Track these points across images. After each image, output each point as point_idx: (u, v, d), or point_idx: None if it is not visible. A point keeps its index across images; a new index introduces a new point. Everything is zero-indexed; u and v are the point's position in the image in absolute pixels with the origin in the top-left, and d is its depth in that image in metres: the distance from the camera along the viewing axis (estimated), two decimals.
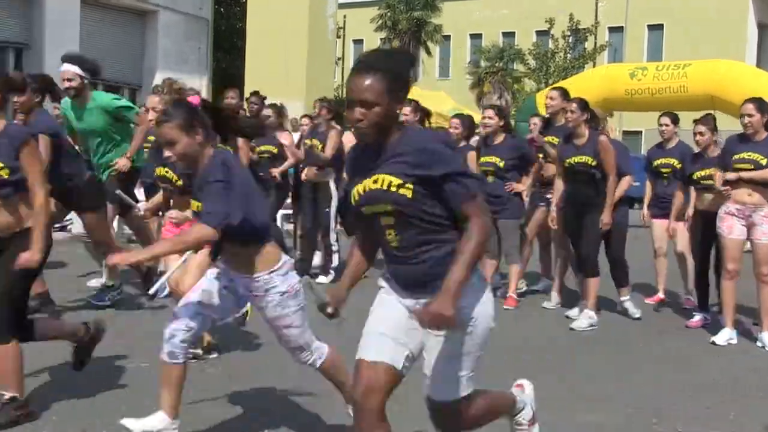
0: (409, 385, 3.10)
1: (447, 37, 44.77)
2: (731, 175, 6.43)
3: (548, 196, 7.88)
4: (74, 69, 6.75)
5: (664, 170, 7.92)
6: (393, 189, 2.81)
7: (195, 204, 3.72)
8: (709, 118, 7.35)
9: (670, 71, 15.81)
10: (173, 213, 5.29)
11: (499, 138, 7.87)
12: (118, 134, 7.25)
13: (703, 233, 6.96)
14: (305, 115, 11.72)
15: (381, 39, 41.66)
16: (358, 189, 2.92)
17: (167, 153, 3.70)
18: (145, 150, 7.15)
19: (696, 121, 7.31)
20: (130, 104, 7.56)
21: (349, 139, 8.80)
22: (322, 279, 8.63)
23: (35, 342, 4.34)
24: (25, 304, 4.23)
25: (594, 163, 6.94)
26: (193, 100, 3.86)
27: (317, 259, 9.29)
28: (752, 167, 6.36)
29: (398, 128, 2.89)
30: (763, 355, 6.28)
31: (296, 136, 10.23)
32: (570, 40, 34.94)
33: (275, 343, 4.08)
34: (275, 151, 8.95)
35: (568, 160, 7.10)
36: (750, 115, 6.43)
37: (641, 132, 36.84)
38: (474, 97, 37.48)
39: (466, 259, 2.75)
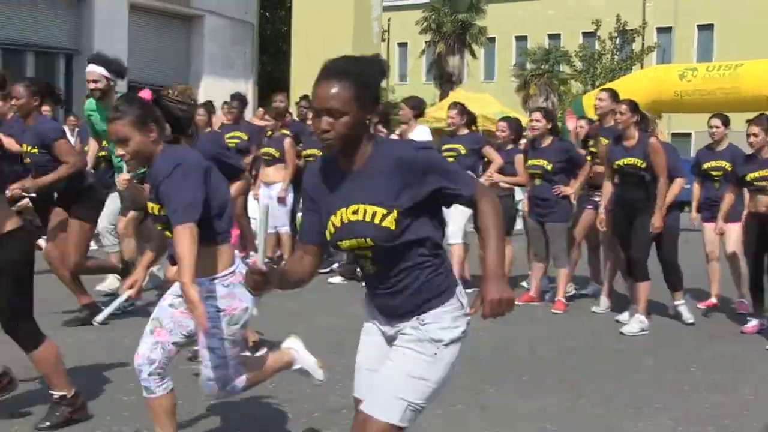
0: None
1: (492, 40, 44.54)
2: None
3: (595, 198, 7.81)
4: (100, 70, 6.78)
5: (714, 173, 7.77)
6: (377, 221, 2.56)
7: (150, 206, 3.50)
8: (762, 118, 7.18)
9: (722, 72, 15.52)
10: None
11: (547, 141, 7.82)
12: None
13: (758, 236, 6.81)
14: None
15: (425, 42, 41.62)
16: (333, 221, 2.65)
17: (119, 151, 3.47)
18: None
19: (749, 122, 7.15)
20: None
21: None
22: None
23: (86, 340, 4.36)
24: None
25: (643, 165, 6.85)
26: (145, 95, 3.70)
27: None
28: None
29: (368, 139, 2.65)
30: None
31: None
32: (617, 42, 34.55)
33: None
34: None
35: (617, 162, 7.00)
36: None
37: (691, 134, 36.30)
38: (519, 100, 37.26)
39: (496, 233, 2.57)
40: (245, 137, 9.72)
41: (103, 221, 7.23)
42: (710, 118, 7.94)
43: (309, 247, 2.81)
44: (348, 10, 24.27)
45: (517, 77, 39.70)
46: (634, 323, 6.91)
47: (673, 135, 33.21)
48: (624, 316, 7.24)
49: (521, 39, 46.84)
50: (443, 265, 2.69)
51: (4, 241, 3.89)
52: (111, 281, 7.49)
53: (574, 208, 8.10)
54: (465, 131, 8.51)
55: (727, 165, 7.58)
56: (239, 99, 10.14)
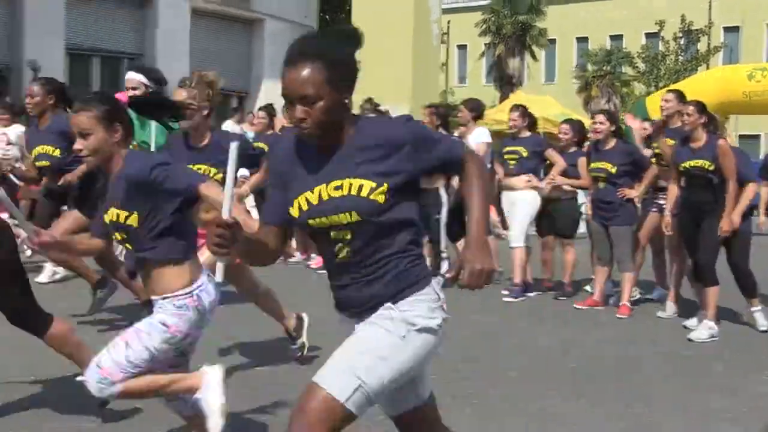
0: None
1: (552, 41, 44.09)
2: None
3: (660, 201, 7.65)
4: (139, 77, 6.77)
5: None
6: (363, 194, 2.38)
7: (114, 212, 3.31)
8: None
9: None
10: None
11: (610, 143, 7.69)
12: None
13: None
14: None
15: (485, 44, 41.43)
16: (307, 197, 2.45)
17: (77, 146, 3.30)
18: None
19: None
20: None
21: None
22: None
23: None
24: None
25: (711, 168, 6.67)
26: (122, 97, 3.57)
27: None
28: None
29: (349, 121, 2.45)
30: None
31: None
32: (682, 42, 33.89)
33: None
34: None
35: (683, 164, 6.84)
36: None
37: (759, 136, 35.44)
38: (581, 102, 36.82)
39: (480, 197, 2.44)
40: None
41: None
42: None
43: (271, 228, 2.58)
44: (407, 12, 24.19)
45: (578, 79, 39.27)
46: (702, 329, 6.72)
47: (741, 137, 32.44)
48: (692, 322, 7.06)
49: (582, 40, 46.30)
50: (421, 256, 2.55)
51: None
52: (48, 271, 7.87)
53: (639, 211, 7.95)
54: (527, 133, 8.41)
55: None
56: None
